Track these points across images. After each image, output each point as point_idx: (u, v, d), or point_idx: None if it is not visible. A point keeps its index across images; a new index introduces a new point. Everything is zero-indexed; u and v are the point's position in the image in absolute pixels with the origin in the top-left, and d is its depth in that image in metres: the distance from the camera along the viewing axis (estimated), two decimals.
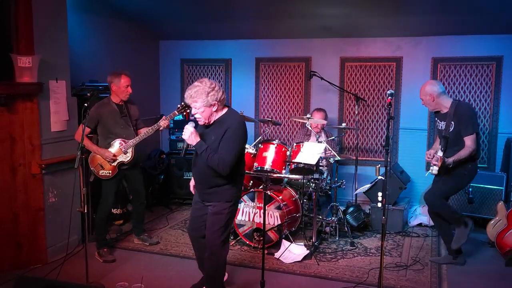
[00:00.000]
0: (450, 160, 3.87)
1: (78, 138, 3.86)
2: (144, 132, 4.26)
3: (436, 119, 4.23)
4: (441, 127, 4.08)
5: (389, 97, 3.07)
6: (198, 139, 3.09)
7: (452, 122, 3.95)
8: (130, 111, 4.40)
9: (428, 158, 3.98)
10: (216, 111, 3.10)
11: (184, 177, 6.06)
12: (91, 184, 4.45)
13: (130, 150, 4.26)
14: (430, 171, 3.95)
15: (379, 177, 3.39)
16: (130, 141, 4.26)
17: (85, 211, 3.55)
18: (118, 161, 4.22)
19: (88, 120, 4.13)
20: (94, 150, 4.18)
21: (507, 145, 5.32)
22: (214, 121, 3.15)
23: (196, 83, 3.06)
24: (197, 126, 3.24)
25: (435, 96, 4.04)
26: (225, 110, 3.16)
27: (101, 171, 4.20)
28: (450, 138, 3.94)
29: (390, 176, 4.97)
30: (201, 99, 3.00)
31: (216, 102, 3.05)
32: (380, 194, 3.05)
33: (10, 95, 3.82)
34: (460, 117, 3.91)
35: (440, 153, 3.85)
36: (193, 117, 3.20)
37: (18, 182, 3.99)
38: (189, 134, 3.08)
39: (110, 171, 4.22)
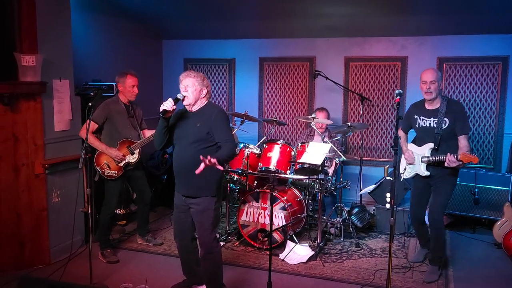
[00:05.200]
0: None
1: (83, 135, 3.82)
2: (151, 134, 4.22)
3: (415, 116, 3.87)
4: (429, 124, 3.78)
5: (398, 97, 3.04)
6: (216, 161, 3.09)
7: (446, 119, 3.70)
8: (136, 112, 4.39)
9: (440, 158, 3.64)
10: (202, 99, 3.27)
11: None
12: (95, 183, 4.42)
13: (137, 151, 4.24)
14: (421, 172, 3.78)
15: (387, 178, 3.36)
16: (138, 141, 4.24)
17: (89, 211, 3.52)
18: (125, 161, 4.19)
19: (97, 116, 4.12)
20: (102, 149, 4.14)
21: None
22: (196, 110, 3.28)
23: None
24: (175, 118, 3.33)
25: (440, 86, 3.76)
26: (206, 102, 3.33)
27: (107, 171, 4.17)
28: (443, 136, 3.71)
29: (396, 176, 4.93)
30: (198, 78, 3.22)
31: (207, 90, 3.27)
32: (388, 195, 3.02)
33: (13, 94, 3.79)
34: (456, 115, 3.69)
35: (450, 156, 3.55)
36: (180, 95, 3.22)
37: (21, 182, 3.96)
38: (209, 162, 3.01)
39: (116, 172, 4.18)
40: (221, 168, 2.97)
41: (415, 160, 3.87)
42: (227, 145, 3.14)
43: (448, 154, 3.54)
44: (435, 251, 3.95)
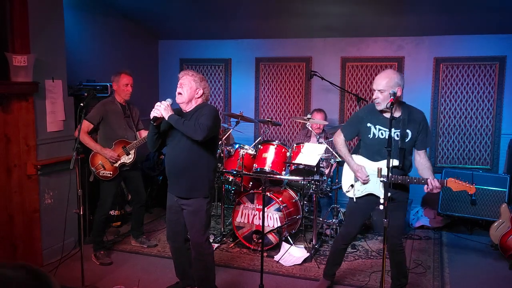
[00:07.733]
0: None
1: (80, 136, 3.78)
2: (147, 134, 4.19)
3: (369, 124, 3.18)
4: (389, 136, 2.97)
5: (392, 97, 3.00)
6: (172, 112, 3.11)
7: (408, 131, 3.10)
8: (132, 112, 4.36)
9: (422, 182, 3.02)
10: (197, 99, 3.24)
11: None
12: (89, 184, 4.38)
13: (132, 152, 4.21)
14: (380, 193, 3.06)
15: (380, 179, 3.27)
16: (134, 142, 4.21)
17: (81, 212, 3.49)
18: (120, 162, 4.16)
19: (92, 116, 4.10)
20: (97, 149, 4.11)
21: (511, 146, 5.25)
22: (190, 110, 3.25)
23: None
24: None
25: (401, 92, 3.10)
26: (202, 103, 3.31)
27: (102, 172, 4.14)
28: (406, 151, 3.12)
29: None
30: (196, 78, 3.20)
31: (203, 91, 3.25)
32: (382, 196, 2.94)
33: (4, 94, 3.74)
34: (419, 125, 3.11)
35: (433, 180, 3.01)
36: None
37: (13, 183, 3.92)
38: (165, 107, 3.09)
39: (111, 172, 4.15)
40: (164, 114, 3.06)
41: (370, 178, 3.21)
42: (196, 124, 3.04)
43: (431, 178, 3.00)
44: (398, 279, 3.37)
